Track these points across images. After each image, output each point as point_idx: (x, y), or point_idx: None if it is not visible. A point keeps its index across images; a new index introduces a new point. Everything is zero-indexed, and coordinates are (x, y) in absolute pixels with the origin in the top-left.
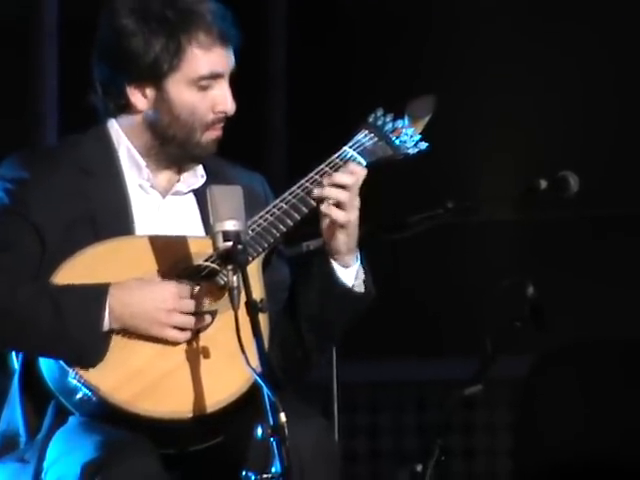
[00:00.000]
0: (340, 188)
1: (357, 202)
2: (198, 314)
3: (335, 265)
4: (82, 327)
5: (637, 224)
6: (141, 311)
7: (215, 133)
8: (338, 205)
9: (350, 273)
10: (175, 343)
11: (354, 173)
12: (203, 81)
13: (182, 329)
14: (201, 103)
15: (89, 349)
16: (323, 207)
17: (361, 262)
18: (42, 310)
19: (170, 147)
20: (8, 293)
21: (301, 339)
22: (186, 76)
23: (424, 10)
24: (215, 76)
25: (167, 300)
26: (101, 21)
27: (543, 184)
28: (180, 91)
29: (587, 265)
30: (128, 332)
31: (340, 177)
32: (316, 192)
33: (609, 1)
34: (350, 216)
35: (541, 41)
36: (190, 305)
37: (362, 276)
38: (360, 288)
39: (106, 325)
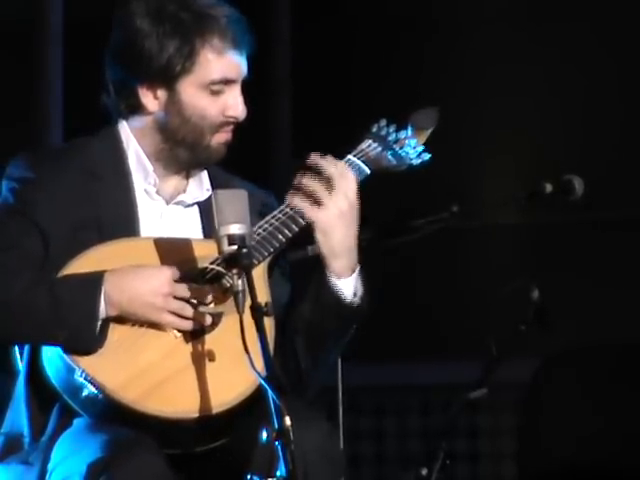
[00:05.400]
0: (321, 178)
1: (336, 202)
2: (197, 304)
3: (329, 273)
4: (78, 312)
5: None
6: (138, 295)
7: (224, 136)
8: (311, 197)
9: (344, 285)
10: (182, 344)
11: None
12: (215, 86)
13: (181, 317)
14: (212, 107)
15: (85, 333)
16: (289, 197)
17: (361, 278)
18: (38, 297)
19: (179, 150)
20: (5, 286)
21: (295, 356)
22: (198, 79)
23: (426, 14)
24: (227, 81)
25: (164, 284)
26: (115, 21)
27: (548, 188)
28: (191, 94)
29: (591, 268)
30: (133, 328)
31: (324, 164)
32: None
33: (610, 3)
34: (314, 212)
35: (543, 44)
36: (186, 290)
37: (360, 292)
38: (357, 302)
39: (102, 311)
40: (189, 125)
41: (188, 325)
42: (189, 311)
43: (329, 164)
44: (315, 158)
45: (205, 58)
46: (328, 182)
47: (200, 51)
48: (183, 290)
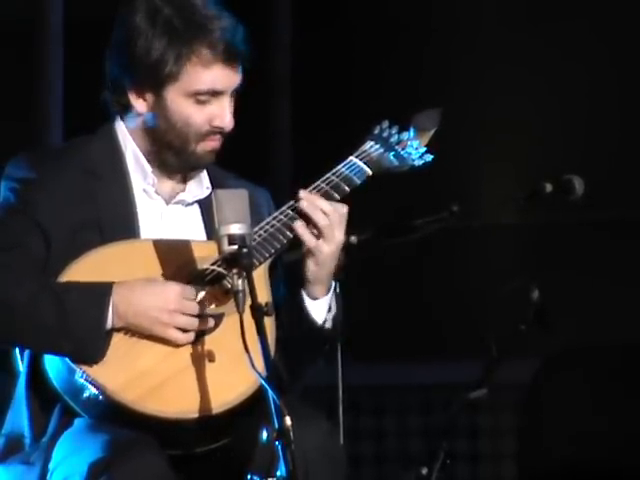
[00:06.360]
0: (322, 213)
1: (337, 237)
2: (202, 316)
3: (304, 296)
4: (85, 323)
5: None
6: (144, 310)
7: (211, 144)
8: (314, 228)
9: (319, 306)
10: (183, 344)
11: (334, 210)
12: (201, 96)
13: (185, 330)
14: (197, 115)
15: (90, 345)
16: (296, 224)
17: (336, 296)
18: (45, 306)
19: (167, 154)
20: (11, 289)
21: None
22: (184, 87)
23: (425, 15)
24: (214, 93)
25: (170, 301)
26: (117, 18)
27: (548, 187)
28: (177, 101)
29: (591, 268)
30: (135, 332)
31: (323, 203)
32: (301, 205)
33: (609, 2)
34: (321, 246)
35: (542, 44)
36: (193, 307)
37: (334, 310)
38: (329, 323)
39: (109, 323)
40: (175, 130)
41: (192, 338)
42: (195, 326)
43: (324, 200)
44: (309, 194)
45: (192, 67)
46: (327, 215)
47: (186, 60)
48: (191, 307)
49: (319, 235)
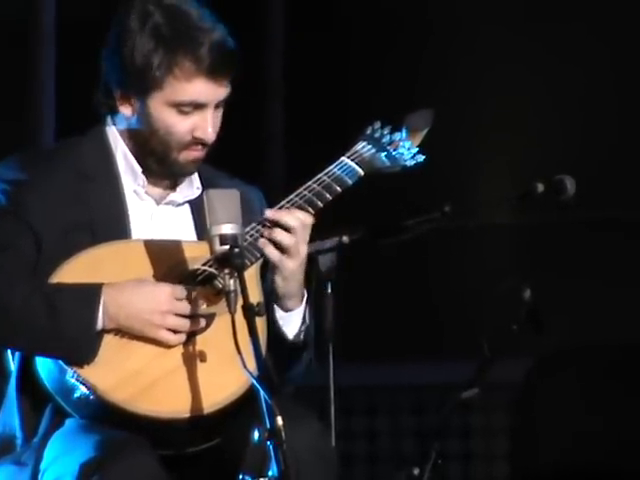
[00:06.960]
0: (286, 231)
1: (302, 253)
2: (193, 317)
3: (277, 308)
4: (75, 325)
5: (635, 227)
6: (135, 312)
7: (193, 154)
8: (278, 245)
9: (293, 318)
10: (173, 345)
11: (300, 220)
12: (183, 107)
13: (176, 331)
14: (180, 125)
15: (82, 347)
16: (261, 241)
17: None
18: (36, 308)
19: (150, 160)
20: (4, 292)
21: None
22: (166, 97)
23: (422, 15)
24: (197, 105)
25: (162, 302)
26: (114, 19)
27: (540, 187)
28: (160, 109)
29: (584, 268)
30: (126, 333)
31: (290, 219)
32: (266, 233)
33: (609, 4)
34: (286, 261)
35: (540, 44)
36: (185, 307)
37: (307, 322)
38: (302, 335)
39: (100, 324)
40: (157, 137)
41: (183, 339)
42: (186, 327)
43: (290, 216)
44: (275, 213)
45: (174, 78)
46: (292, 232)
47: (168, 70)
48: (182, 308)
49: (283, 251)
